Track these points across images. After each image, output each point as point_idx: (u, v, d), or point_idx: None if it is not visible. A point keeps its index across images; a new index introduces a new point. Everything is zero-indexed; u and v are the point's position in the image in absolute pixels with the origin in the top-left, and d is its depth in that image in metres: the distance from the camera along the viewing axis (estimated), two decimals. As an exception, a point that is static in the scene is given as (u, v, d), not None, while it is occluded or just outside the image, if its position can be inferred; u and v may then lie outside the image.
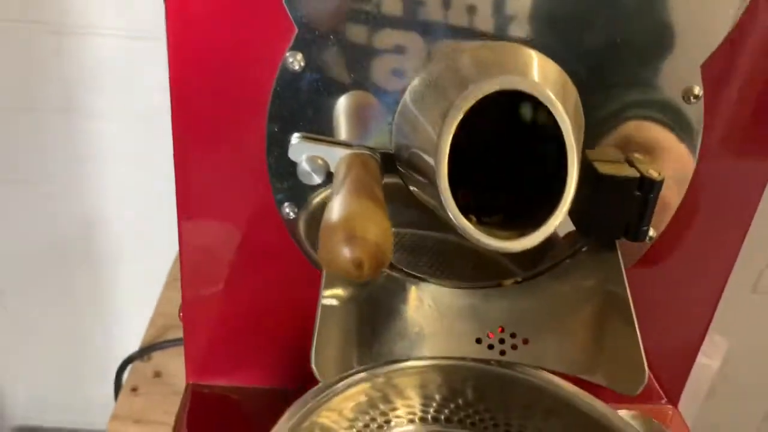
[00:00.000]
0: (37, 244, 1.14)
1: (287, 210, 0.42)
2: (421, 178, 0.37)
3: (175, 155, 0.40)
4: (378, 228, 0.32)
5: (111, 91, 1.01)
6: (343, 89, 0.39)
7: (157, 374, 0.84)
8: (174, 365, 0.85)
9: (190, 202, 0.42)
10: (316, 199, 0.42)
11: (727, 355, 0.89)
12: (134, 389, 0.82)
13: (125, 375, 0.85)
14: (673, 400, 0.51)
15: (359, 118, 0.40)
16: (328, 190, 0.41)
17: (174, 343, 0.84)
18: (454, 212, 0.34)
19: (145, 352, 0.85)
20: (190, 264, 0.43)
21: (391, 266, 0.44)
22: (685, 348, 0.50)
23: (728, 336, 0.87)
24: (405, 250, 0.44)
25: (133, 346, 0.88)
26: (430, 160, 0.35)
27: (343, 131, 0.40)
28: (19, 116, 1.04)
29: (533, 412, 0.42)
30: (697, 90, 0.40)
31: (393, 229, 0.35)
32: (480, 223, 0.38)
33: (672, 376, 0.49)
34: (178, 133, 0.40)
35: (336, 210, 0.33)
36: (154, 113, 1.00)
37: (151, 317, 0.89)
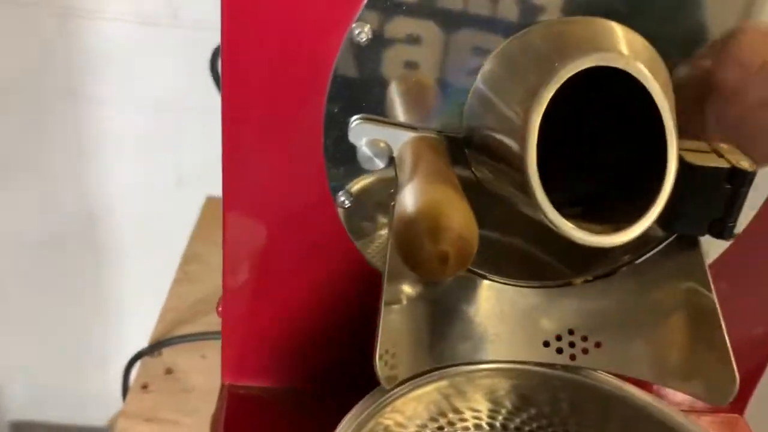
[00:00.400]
0: (39, 234, 1.10)
1: (342, 198, 0.38)
2: (498, 165, 0.34)
3: (223, 137, 0.36)
4: (462, 217, 0.29)
5: (117, 77, 0.98)
6: (413, 66, 0.35)
7: (169, 371, 0.80)
8: (185, 361, 0.81)
9: (238, 190, 0.38)
10: (376, 188, 0.38)
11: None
12: (144, 386, 0.78)
13: (134, 371, 0.81)
14: (740, 409, 0.48)
15: (425, 98, 0.36)
16: (389, 176, 0.37)
17: (185, 338, 0.81)
18: (544, 204, 0.31)
19: (155, 348, 0.81)
20: (234, 257, 0.40)
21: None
22: (756, 355, 0.46)
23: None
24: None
25: (135, 341, 0.84)
26: (513, 145, 0.32)
27: (405, 112, 0.36)
28: (22, 102, 1.00)
29: (607, 422, 0.39)
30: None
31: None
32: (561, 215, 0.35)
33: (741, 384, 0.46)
34: (229, 112, 0.36)
35: (412, 199, 0.30)
36: (162, 101, 0.96)
37: (161, 312, 0.85)
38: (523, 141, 0.31)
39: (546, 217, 0.31)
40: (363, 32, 0.34)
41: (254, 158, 0.37)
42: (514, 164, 0.32)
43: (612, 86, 0.32)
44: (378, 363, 0.33)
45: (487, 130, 0.35)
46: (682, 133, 0.39)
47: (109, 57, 0.96)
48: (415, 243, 0.28)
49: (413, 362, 0.36)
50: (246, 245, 0.40)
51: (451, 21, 0.35)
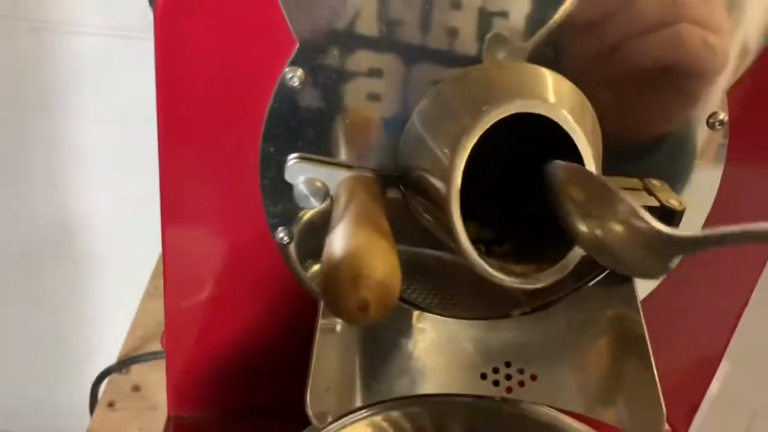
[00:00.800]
0: (13, 244, 1.10)
1: (281, 235, 0.39)
2: (429, 204, 0.35)
3: (161, 177, 0.37)
4: (385, 264, 0.30)
5: (92, 90, 0.98)
6: (344, 108, 0.36)
7: (136, 388, 0.80)
8: (153, 379, 0.81)
9: (177, 225, 0.39)
10: (312, 223, 0.39)
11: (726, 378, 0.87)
12: (111, 404, 0.78)
13: (102, 387, 0.81)
14: (682, 434, 0.49)
15: (361, 138, 0.37)
16: (325, 210, 0.38)
17: (154, 356, 0.81)
18: (466, 246, 0.32)
19: (123, 365, 0.81)
20: (175, 290, 0.40)
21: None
22: (697, 380, 0.47)
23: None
24: (404, 277, 0.42)
25: (109, 352, 0.84)
26: (441, 187, 0.33)
27: (343, 152, 0.37)
28: (-3, 114, 1.01)
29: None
30: (723, 116, 0.38)
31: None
32: (489, 253, 0.35)
33: (682, 410, 0.47)
34: (166, 152, 0.36)
35: (338, 244, 0.30)
36: (137, 113, 0.97)
37: (130, 328, 0.85)
38: (447, 183, 0.32)
39: (468, 259, 0.32)
40: (295, 76, 0.35)
41: (192, 194, 0.38)
42: (440, 205, 0.33)
43: (546, 129, 0.33)
44: (309, 400, 0.34)
45: (418, 169, 0.35)
46: (613, 172, 0.40)
47: (85, 69, 0.96)
48: (337, 289, 0.29)
49: (348, 398, 0.37)
50: (187, 279, 0.40)
51: (392, 59, 0.35)
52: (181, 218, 0.39)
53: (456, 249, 0.32)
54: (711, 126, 0.38)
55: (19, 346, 1.20)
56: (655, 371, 0.37)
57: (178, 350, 0.43)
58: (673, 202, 0.37)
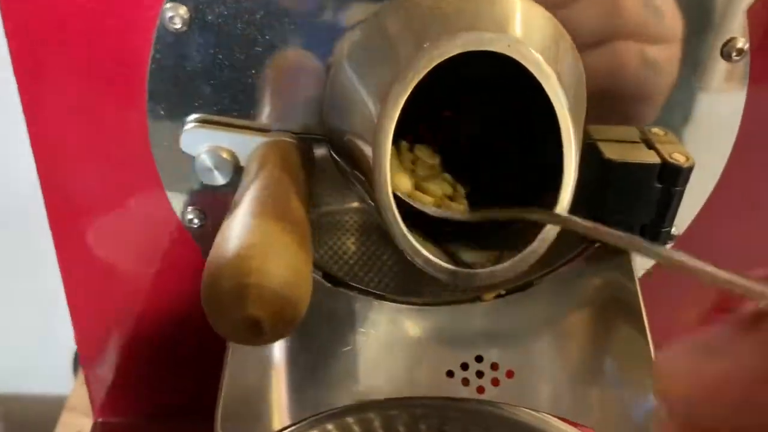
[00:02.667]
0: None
1: (191, 217, 0.32)
2: (361, 176, 0.27)
3: (36, 159, 0.30)
4: (285, 268, 0.22)
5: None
6: (249, 54, 0.28)
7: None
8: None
9: (67, 222, 0.31)
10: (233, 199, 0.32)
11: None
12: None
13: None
14: None
15: (277, 92, 0.29)
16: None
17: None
18: (394, 224, 0.24)
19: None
20: (77, 294, 0.34)
21: (335, 281, 0.34)
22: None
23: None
24: (352, 259, 0.34)
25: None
26: (366, 151, 0.25)
27: (256, 112, 0.29)
28: None
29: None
30: (742, 43, 0.29)
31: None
32: (443, 234, 0.28)
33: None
34: (34, 129, 0.29)
35: (225, 240, 0.23)
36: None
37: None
38: (374, 154, 0.24)
39: (401, 244, 0.25)
40: (177, 15, 0.27)
41: (79, 179, 0.31)
42: (367, 174, 0.25)
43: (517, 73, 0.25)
44: (219, 426, 0.27)
45: (344, 130, 0.28)
46: (608, 119, 0.32)
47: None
48: (217, 304, 0.22)
49: (277, 416, 0.30)
50: (89, 279, 0.33)
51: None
52: (70, 210, 0.31)
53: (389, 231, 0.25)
54: (727, 56, 0.29)
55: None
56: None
57: (93, 356, 0.36)
58: (677, 157, 0.29)
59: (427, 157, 0.31)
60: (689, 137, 0.32)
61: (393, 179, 0.25)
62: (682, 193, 0.29)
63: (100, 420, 0.39)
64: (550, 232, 0.25)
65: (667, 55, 0.30)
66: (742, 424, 0.14)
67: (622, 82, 0.30)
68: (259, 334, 0.22)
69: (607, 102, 0.31)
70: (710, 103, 0.31)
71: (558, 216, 0.25)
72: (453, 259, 0.26)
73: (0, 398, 1.27)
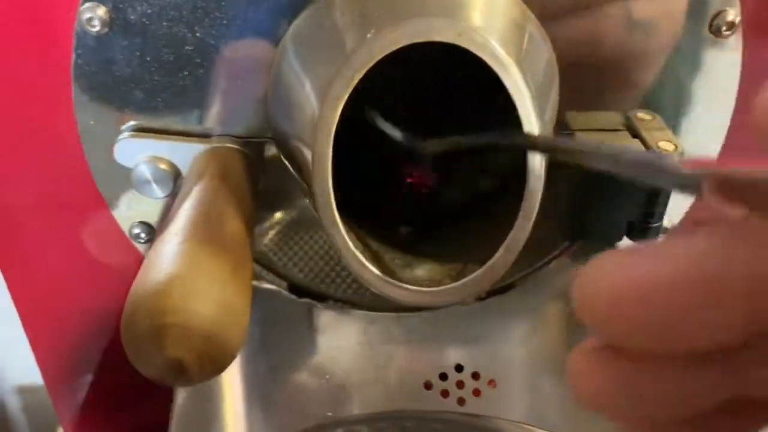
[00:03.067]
0: None
1: (137, 231, 0.29)
2: (304, 184, 0.24)
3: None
4: (212, 304, 0.20)
5: None
6: (180, 52, 0.25)
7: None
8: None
9: (10, 235, 0.29)
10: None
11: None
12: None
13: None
14: None
15: (216, 94, 0.26)
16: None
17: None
18: (338, 236, 0.22)
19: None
20: (31, 315, 0.32)
21: (298, 290, 0.31)
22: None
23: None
24: (320, 263, 0.32)
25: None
26: (307, 156, 0.22)
27: (195, 116, 0.27)
28: None
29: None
30: (732, 15, 0.26)
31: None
32: (400, 245, 0.25)
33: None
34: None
35: (148, 269, 0.21)
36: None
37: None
38: (313, 150, 0.22)
39: (345, 259, 0.22)
40: (96, 18, 0.24)
41: (19, 195, 0.28)
42: (307, 178, 0.22)
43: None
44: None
45: (287, 131, 0.25)
46: (591, 105, 0.29)
47: None
48: (135, 345, 0.20)
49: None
50: (41, 300, 0.31)
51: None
52: (13, 230, 0.29)
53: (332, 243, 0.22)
54: (716, 31, 0.26)
55: None
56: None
57: (58, 380, 0.34)
58: (665, 146, 0.26)
59: None
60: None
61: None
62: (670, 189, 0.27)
63: (71, 438, 0.37)
64: (516, 240, 0.22)
65: (658, 12, 0.27)
66: (666, 342, 0.12)
67: (610, 50, 0.27)
68: (184, 375, 0.20)
69: (593, 77, 0.28)
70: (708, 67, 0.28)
71: (530, 137, 0.22)
72: (407, 273, 0.23)
73: (20, 389, 1.28)
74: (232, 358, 0.20)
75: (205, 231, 0.22)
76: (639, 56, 0.27)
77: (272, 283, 0.31)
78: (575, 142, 0.21)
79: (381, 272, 0.22)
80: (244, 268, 0.22)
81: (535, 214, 0.22)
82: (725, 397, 0.13)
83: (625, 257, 0.12)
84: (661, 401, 0.13)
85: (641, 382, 0.13)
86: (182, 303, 0.19)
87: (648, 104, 0.28)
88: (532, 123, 0.22)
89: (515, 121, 0.22)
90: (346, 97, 0.21)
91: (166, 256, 0.21)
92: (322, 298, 0.31)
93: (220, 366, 0.20)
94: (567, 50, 0.26)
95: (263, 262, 0.31)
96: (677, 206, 0.31)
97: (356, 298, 0.32)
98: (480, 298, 0.32)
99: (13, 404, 1.01)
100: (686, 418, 0.13)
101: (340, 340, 0.31)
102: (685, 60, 0.27)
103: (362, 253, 0.22)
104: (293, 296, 0.31)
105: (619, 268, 0.12)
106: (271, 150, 0.28)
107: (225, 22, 0.25)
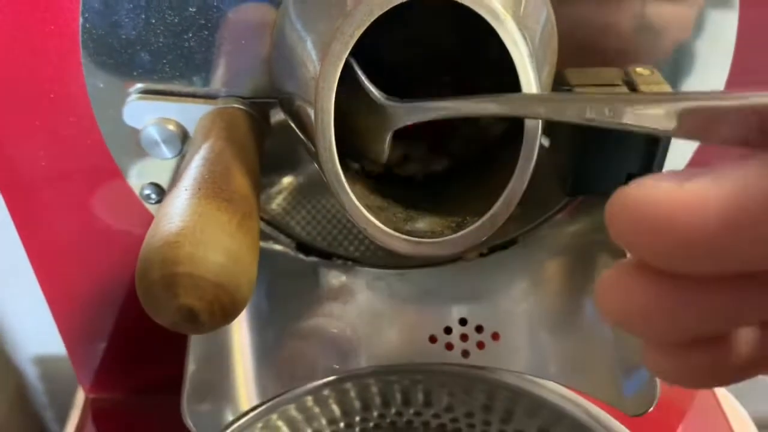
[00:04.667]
0: None
1: (147, 192, 0.30)
2: (309, 144, 0.25)
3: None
4: (221, 253, 0.21)
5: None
6: (183, 13, 0.26)
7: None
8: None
9: (25, 197, 0.30)
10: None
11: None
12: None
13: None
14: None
15: (221, 53, 0.27)
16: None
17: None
18: (341, 192, 0.23)
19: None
20: (47, 273, 0.33)
21: (305, 249, 0.32)
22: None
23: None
24: (330, 224, 0.33)
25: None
26: (311, 117, 0.23)
27: (202, 77, 0.27)
28: None
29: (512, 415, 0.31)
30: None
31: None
32: (401, 200, 0.26)
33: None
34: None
35: (159, 221, 0.22)
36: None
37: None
38: (316, 120, 0.22)
39: (344, 205, 0.23)
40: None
41: (26, 164, 0.29)
42: (311, 136, 0.23)
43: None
44: (186, 408, 0.27)
45: (293, 92, 0.25)
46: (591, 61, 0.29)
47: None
48: (149, 293, 0.20)
49: (245, 395, 0.29)
50: (57, 259, 0.32)
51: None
52: (28, 193, 0.30)
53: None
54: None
55: None
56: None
57: (76, 337, 0.35)
58: (663, 99, 0.26)
59: None
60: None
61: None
62: (668, 142, 0.27)
63: (92, 396, 0.39)
64: (514, 192, 0.23)
65: (670, 19, 0.27)
66: (720, 262, 0.11)
67: (614, 43, 0.28)
68: (195, 322, 0.21)
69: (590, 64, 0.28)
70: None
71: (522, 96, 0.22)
72: (409, 226, 0.24)
73: (38, 359, 1.31)
74: (242, 306, 0.21)
75: (213, 186, 0.23)
76: (640, 54, 0.28)
77: (281, 243, 0.32)
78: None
79: (383, 225, 0.23)
80: (251, 219, 0.23)
81: (533, 165, 0.23)
82: (765, 318, 0.12)
83: (676, 179, 0.12)
84: (701, 319, 0.13)
85: (684, 302, 0.12)
86: (192, 253, 0.20)
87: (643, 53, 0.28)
88: (530, 80, 0.22)
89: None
90: (347, 53, 0.22)
91: (176, 210, 0.22)
92: (328, 256, 0.32)
93: (230, 314, 0.21)
94: (571, 31, 0.27)
95: (273, 224, 0.32)
96: (676, 157, 0.31)
97: (362, 257, 0.33)
98: (482, 254, 0.33)
99: (31, 374, 1.03)
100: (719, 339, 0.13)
101: (346, 297, 0.32)
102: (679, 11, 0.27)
103: (365, 207, 0.23)
104: (301, 255, 0.32)
105: (672, 189, 0.12)
106: (278, 115, 0.29)
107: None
